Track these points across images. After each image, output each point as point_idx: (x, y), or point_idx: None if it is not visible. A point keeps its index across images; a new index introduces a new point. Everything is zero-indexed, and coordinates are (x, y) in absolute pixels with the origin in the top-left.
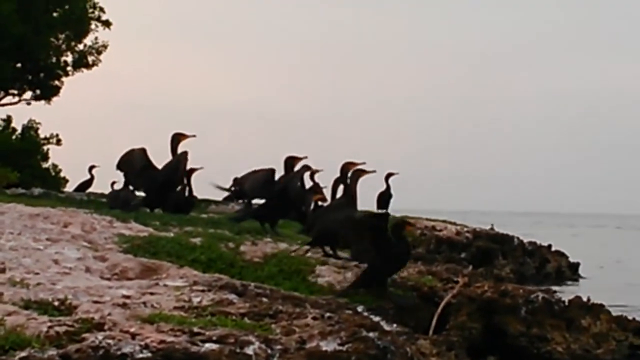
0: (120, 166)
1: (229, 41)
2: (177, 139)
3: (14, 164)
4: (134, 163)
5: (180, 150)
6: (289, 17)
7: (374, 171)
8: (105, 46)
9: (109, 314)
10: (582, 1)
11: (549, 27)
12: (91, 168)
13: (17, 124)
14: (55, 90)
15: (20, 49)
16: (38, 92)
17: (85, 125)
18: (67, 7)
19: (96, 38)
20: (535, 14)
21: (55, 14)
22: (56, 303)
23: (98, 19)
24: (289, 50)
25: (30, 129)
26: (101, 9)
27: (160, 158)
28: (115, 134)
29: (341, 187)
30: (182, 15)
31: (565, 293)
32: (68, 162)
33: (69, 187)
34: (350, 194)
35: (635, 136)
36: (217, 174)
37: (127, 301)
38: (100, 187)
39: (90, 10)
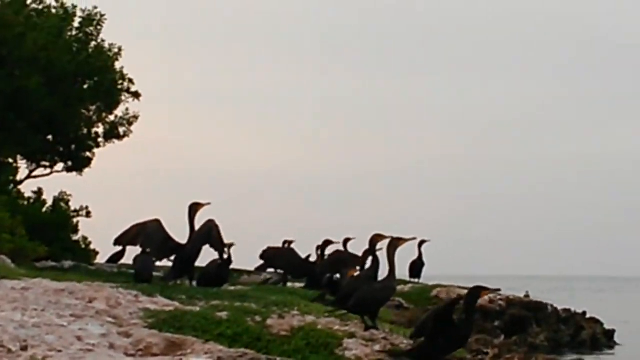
0: (130, 241)
1: (256, 106)
2: (194, 208)
3: (43, 237)
4: (152, 236)
5: (197, 219)
6: (312, 81)
7: (413, 238)
8: (136, 117)
9: None
10: (581, 74)
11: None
12: None
13: (48, 196)
14: (87, 162)
15: (50, 122)
16: (69, 163)
17: (116, 195)
18: (96, 79)
19: (127, 109)
20: (538, 86)
21: (85, 86)
22: None
23: (127, 91)
24: (312, 113)
25: (61, 201)
26: (130, 80)
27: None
28: (146, 204)
29: (370, 259)
30: (213, 81)
31: None
32: (99, 233)
33: (100, 259)
34: (378, 266)
35: None
36: (252, 243)
37: None
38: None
39: (120, 82)
